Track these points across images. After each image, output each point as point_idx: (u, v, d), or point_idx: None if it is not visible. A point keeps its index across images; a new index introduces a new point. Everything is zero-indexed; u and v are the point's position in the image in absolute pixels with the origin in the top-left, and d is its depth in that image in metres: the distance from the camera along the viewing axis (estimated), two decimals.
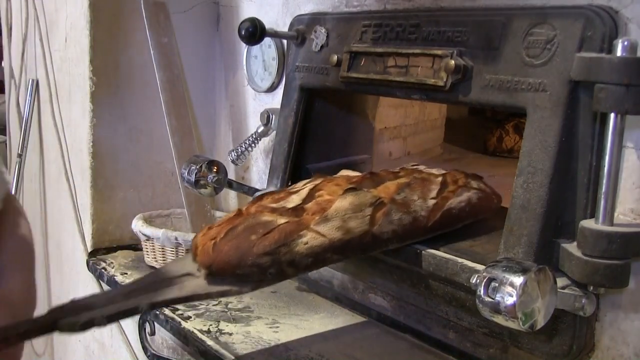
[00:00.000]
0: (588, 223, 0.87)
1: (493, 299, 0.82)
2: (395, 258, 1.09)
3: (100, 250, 1.73)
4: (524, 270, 0.81)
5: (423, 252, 1.04)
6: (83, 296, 0.87)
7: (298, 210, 0.98)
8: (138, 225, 1.57)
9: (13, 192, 1.24)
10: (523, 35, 0.97)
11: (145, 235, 1.55)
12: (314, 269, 0.99)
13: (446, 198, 1.07)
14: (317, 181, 1.04)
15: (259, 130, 1.57)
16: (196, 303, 1.29)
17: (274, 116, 1.51)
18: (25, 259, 0.66)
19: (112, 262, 1.64)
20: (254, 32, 1.33)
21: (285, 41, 1.54)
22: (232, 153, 1.62)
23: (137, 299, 0.90)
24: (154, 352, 1.29)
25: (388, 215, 1.00)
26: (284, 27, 1.47)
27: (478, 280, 0.84)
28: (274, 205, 0.99)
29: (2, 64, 2.36)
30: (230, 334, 1.17)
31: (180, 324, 1.21)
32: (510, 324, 0.82)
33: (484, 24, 1.03)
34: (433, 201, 1.05)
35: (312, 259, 0.95)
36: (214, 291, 0.93)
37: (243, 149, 1.61)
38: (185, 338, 1.20)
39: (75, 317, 0.82)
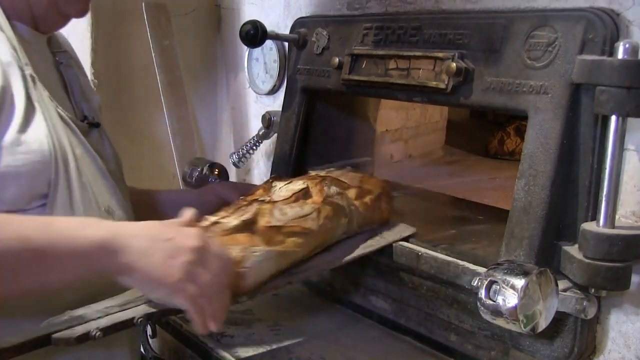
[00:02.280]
0: (589, 226, 0.87)
1: (494, 301, 0.82)
2: (396, 260, 1.09)
3: None
4: (525, 273, 0.81)
5: (424, 254, 1.04)
6: (78, 308, 0.86)
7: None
8: None
9: None
10: (524, 37, 0.97)
11: None
12: None
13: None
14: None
15: (261, 133, 1.57)
16: None
17: (275, 118, 1.52)
18: None
19: None
20: (256, 34, 1.33)
21: (286, 44, 1.55)
22: (234, 155, 1.62)
23: (133, 310, 0.90)
24: (155, 354, 1.28)
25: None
26: (285, 30, 1.48)
27: (479, 283, 0.84)
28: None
29: None
30: (232, 337, 1.16)
31: (182, 327, 1.20)
32: (512, 326, 0.82)
33: (485, 26, 1.03)
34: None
35: None
36: None
37: (245, 151, 1.61)
38: (186, 340, 1.20)
39: (71, 330, 0.82)
